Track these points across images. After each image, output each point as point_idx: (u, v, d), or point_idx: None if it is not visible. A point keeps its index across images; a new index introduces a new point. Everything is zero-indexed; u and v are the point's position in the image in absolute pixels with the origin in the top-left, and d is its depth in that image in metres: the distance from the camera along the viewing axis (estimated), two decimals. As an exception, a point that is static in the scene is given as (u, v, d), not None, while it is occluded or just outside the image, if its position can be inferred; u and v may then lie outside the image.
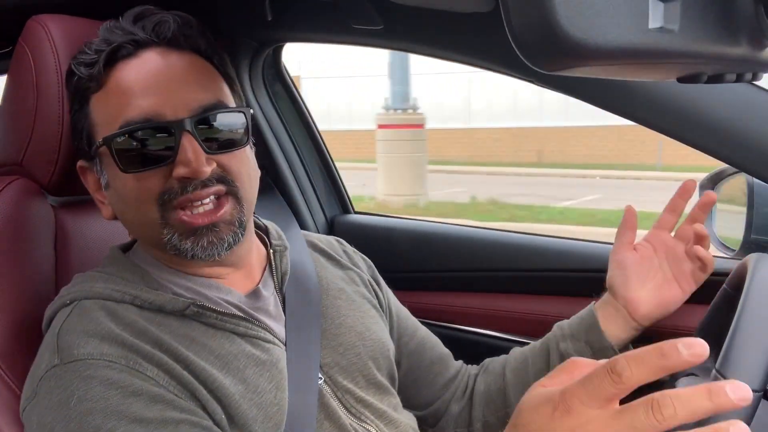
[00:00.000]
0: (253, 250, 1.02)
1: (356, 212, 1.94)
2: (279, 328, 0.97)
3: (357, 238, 1.62)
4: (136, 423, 0.78)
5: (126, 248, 1.00)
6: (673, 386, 0.96)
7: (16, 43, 1.04)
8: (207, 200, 0.88)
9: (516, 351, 1.24)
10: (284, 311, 1.00)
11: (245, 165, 0.94)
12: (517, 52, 0.45)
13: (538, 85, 1.16)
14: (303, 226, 1.77)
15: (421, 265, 1.72)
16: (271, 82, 1.72)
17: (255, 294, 0.98)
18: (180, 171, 0.86)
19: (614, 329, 1.13)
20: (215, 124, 0.90)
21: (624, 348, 1.15)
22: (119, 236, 1.08)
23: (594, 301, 1.19)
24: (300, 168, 1.80)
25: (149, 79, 0.89)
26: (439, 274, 1.70)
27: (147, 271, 0.93)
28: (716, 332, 1.00)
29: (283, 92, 1.76)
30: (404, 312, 1.24)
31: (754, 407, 0.77)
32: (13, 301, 0.97)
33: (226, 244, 0.90)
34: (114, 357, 0.82)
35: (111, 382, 0.79)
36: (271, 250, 1.04)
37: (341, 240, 1.23)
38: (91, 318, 0.85)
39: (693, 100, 1.01)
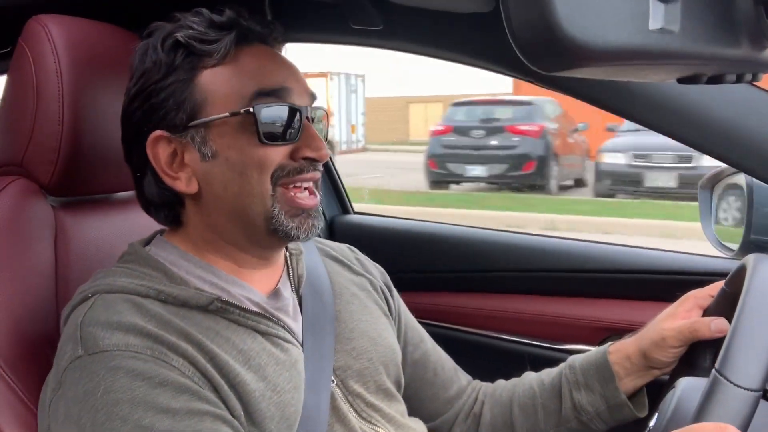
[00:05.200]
0: (283, 248, 1.04)
1: (355, 213, 1.94)
2: (298, 329, 0.98)
3: (356, 238, 1.62)
4: (163, 413, 0.79)
5: (145, 243, 1.00)
6: (672, 387, 0.96)
7: (16, 43, 1.04)
8: (309, 184, 0.94)
9: (523, 382, 1.21)
10: (301, 312, 1.01)
11: None
12: (517, 53, 0.45)
13: (538, 85, 1.16)
14: (303, 226, 1.76)
15: (419, 266, 1.72)
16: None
17: (276, 294, 0.98)
18: (307, 152, 0.92)
19: (629, 381, 1.11)
20: (318, 116, 0.98)
21: (639, 394, 1.13)
22: (120, 236, 1.08)
23: (609, 344, 1.15)
24: (300, 168, 1.80)
25: (279, 62, 0.95)
26: (437, 274, 1.70)
27: (170, 267, 0.94)
28: None
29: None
30: (412, 322, 1.23)
31: (754, 407, 0.77)
32: (13, 301, 0.96)
33: (317, 230, 0.96)
34: (139, 348, 0.82)
35: (137, 373, 0.80)
36: (287, 254, 1.05)
37: (353, 248, 1.23)
38: (115, 310, 0.85)
39: (693, 100, 1.01)
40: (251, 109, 0.90)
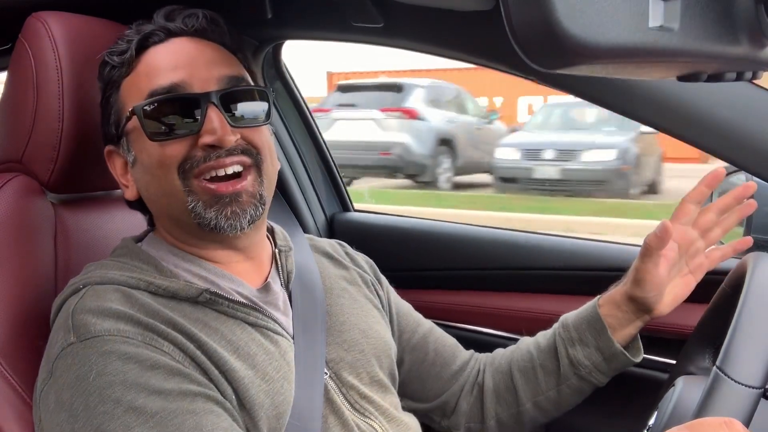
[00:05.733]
0: (265, 243, 1.04)
1: (356, 210, 1.94)
2: (287, 323, 0.99)
3: (356, 235, 1.62)
4: (155, 394, 0.79)
5: (137, 240, 1.01)
6: (672, 386, 0.96)
7: (16, 40, 1.04)
8: (230, 170, 0.91)
9: (520, 347, 1.23)
10: (291, 308, 1.01)
11: (267, 142, 0.98)
12: (518, 51, 0.45)
13: (539, 83, 1.16)
14: (303, 224, 1.77)
15: (419, 263, 1.72)
16: (271, 80, 1.72)
17: (266, 288, 0.99)
18: (206, 139, 0.90)
19: (622, 332, 1.12)
20: (239, 98, 0.93)
21: (633, 341, 1.15)
22: (119, 233, 1.08)
23: (598, 297, 1.17)
24: (300, 166, 1.80)
25: (178, 57, 0.94)
26: (437, 272, 1.70)
27: (160, 261, 0.95)
28: (715, 332, 1.00)
29: (283, 90, 1.76)
30: (405, 308, 1.24)
31: (755, 404, 0.78)
32: (13, 298, 0.97)
33: (248, 216, 0.92)
34: (131, 333, 0.83)
35: (129, 356, 0.81)
36: (277, 250, 1.06)
37: (342, 242, 1.24)
38: (106, 298, 0.86)
39: (693, 98, 1.01)
40: (131, 111, 0.92)
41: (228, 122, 0.90)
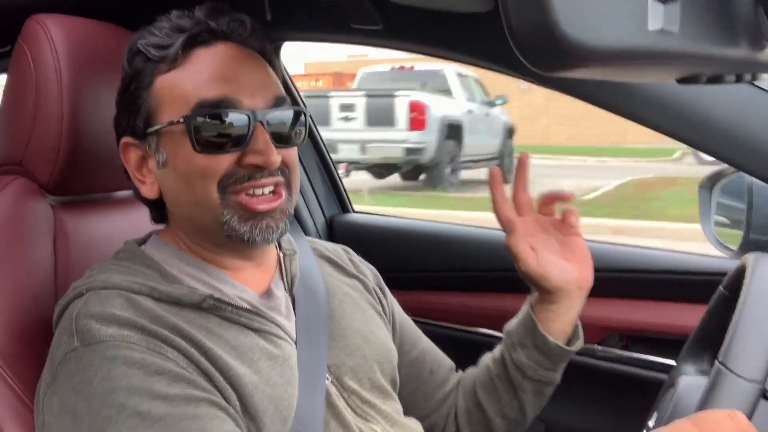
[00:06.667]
0: (272, 248, 1.04)
1: (355, 212, 1.94)
2: (290, 327, 0.99)
3: (355, 237, 1.62)
4: (159, 400, 0.79)
5: (140, 243, 1.01)
6: (672, 386, 0.96)
7: (15, 43, 1.04)
8: (267, 189, 0.93)
9: (481, 363, 1.22)
10: (294, 312, 1.01)
11: (296, 162, 0.99)
12: (516, 53, 0.45)
13: (538, 84, 1.16)
14: (302, 225, 1.77)
15: (419, 265, 1.72)
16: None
17: (268, 294, 0.99)
18: (252, 159, 0.90)
19: (555, 325, 1.12)
20: (283, 119, 0.95)
21: (575, 330, 1.14)
22: (119, 235, 1.08)
23: (530, 296, 1.16)
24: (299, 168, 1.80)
25: (227, 67, 0.92)
26: (437, 273, 1.70)
27: (163, 266, 0.95)
28: (714, 334, 1.00)
29: (283, 91, 1.76)
30: (408, 322, 1.24)
31: (757, 399, 0.78)
32: (13, 301, 0.97)
33: (279, 231, 0.94)
34: (135, 339, 0.83)
35: (133, 362, 0.81)
36: (281, 253, 1.06)
37: (348, 249, 1.23)
38: (110, 304, 0.86)
39: (693, 100, 1.01)
40: (182, 119, 0.90)
41: (272, 143, 0.91)
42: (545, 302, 1.12)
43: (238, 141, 0.90)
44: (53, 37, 1.01)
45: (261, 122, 0.91)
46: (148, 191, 0.96)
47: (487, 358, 1.22)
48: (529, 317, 1.13)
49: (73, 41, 1.03)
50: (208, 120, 0.89)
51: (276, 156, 0.91)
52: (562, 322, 1.13)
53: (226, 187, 0.91)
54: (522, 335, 1.14)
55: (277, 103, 0.94)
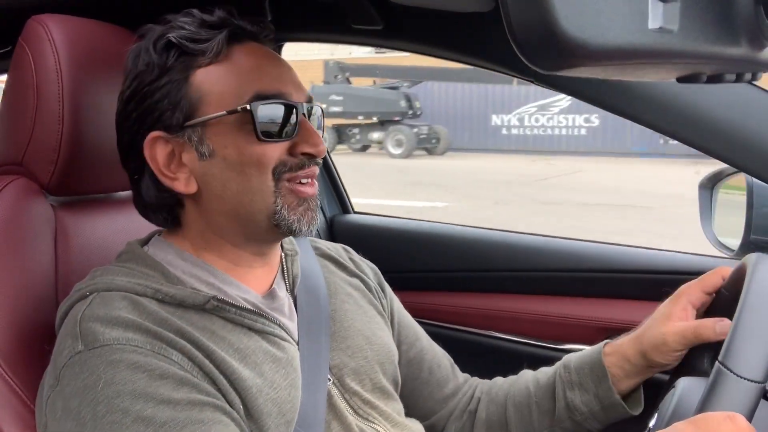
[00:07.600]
0: (278, 248, 1.05)
1: (355, 212, 1.94)
2: (293, 328, 0.99)
3: (356, 237, 1.62)
4: (164, 404, 0.79)
5: (143, 243, 1.00)
6: (672, 387, 0.96)
7: (16, 43, 1.04)
8: (309, 180, 0.97)
9: (519, 381, 1.20)
10: (296, 312, 1.01)
11: None
12: (517, 52, 0.45)
13: (538, 84, 1.16)
14: (303, 225, 1.76)
15: (419, 265, 1.72)
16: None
17: (271, 294, 0.99)
18: (306, 148, 0.94)
19: (626, 383, 1.10)
20: (318, 113, 1.01)
21: (635, 392, 1.11)
22: (120, 235, 1.08)
23: (604, 342, 1.13)
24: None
25: (270, 62, 0.96)
26: (437, 273, 1.70)
27: (166, 267, 0.94)
28: None
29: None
30: (407, 320, 1.23)
31: (758, 399, 0.78)
32: (13, 301, 0.96)
33: (317, 221, 0.97)
34: (139, 342, 0.82)
35: (138, 366, 0.81)
36: (283, 254, 1.06)
37: (348, 248, 1.23)
38: (114, 306, 0.85)
39: (693, 100, 1.01)
40: (248, 107, 0.90)
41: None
42: (630, 356, 1.08)
43: (291, 131, 0.93)
44: (54, 37, 1.01)
45: (304, 114, 0.95)
46: (184, 186, 0.93)
47: (528, 379, 1.19)
48: (601, 365, 1.10)
49: (74, 41, 1.03)
50: (269, 110, 0.92)
51: (324, 145, 0.96)
52: (635, 382, 1.10)
53: (279, 175, 0.93)
54: (586, 379, 1.11)
55: (309, 99, 0.98)
